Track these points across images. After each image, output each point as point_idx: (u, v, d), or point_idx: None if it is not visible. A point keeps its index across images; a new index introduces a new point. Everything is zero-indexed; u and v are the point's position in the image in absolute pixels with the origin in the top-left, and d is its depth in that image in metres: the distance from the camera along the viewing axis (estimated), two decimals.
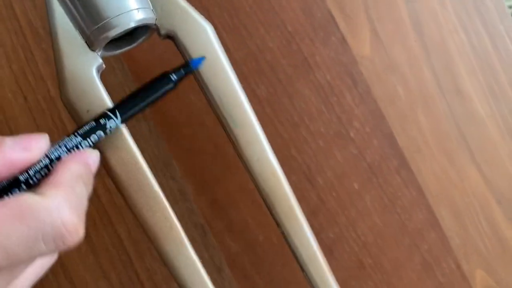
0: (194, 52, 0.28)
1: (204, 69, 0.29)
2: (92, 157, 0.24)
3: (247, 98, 0.29)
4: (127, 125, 0.27)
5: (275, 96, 0.36)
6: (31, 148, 0.23)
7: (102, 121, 0.25)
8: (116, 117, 0.25)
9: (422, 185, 0.37)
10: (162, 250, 0.27)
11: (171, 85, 0.27)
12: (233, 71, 0.29)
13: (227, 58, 0.29)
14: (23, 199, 0.20)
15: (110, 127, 0.25)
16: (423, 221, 0.37)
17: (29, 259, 0.21)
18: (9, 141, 0.22)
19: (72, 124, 0.34)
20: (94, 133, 0.25)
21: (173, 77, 0.27)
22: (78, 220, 0.21)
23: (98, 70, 0.28)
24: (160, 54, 0.36)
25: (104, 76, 0.28)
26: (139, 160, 0.27)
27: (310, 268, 0.30)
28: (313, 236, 0.29)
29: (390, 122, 0.37)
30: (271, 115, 0.36)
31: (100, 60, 0.28)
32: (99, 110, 0.26)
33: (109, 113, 0.25)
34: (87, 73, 0.27)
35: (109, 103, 0.27)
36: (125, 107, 0.26)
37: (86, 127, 0.24)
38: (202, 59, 0.28)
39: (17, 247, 0.20)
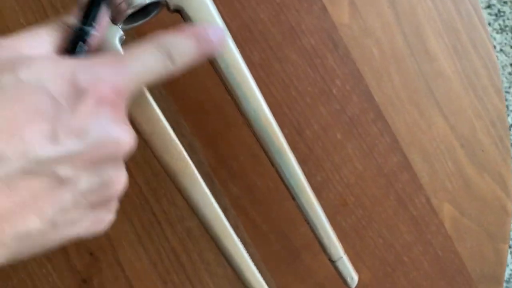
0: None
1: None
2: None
3: (244, 62, 0.34)
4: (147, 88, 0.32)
5: (267, 61, 0.42)
6: None
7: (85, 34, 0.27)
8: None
9: (396, 133, 0.43)
10: (180, 185, 0.33)
11: None
12: (232, 38, 0.34)
13: (226, 28, 0.34)
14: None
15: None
16: (397, 164, 0.43)
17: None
18: None
19: None
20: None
21: None
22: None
23: (120, 40, 0.33)
24: (165, 26, 0.41)
25: None
26: (159, 117, 0.33)
27: (302, 201, 0.36)
28: (302, 173, 0.35)
29: (367, 80, 0.43)
30: (264, 78, 0.42)
31: (122, 32, 0.33)
32: None
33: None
34: (112, 43, 0.33)
35: None
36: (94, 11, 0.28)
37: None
38: None
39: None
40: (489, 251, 0.45)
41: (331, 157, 0.43)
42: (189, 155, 0.35)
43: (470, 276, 0.45)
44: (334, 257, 0.37)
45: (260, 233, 0.42)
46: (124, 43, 0.33)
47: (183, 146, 0.35)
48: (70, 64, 0.24)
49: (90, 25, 0.28)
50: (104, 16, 0.29)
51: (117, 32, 0.33)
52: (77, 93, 0.23)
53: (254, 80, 0.34)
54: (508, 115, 1.01)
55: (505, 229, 0.45)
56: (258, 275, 0.38)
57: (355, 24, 0.43)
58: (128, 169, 0.41)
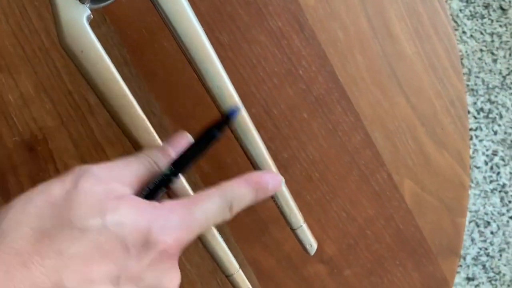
0: (166, 6, 0.35)
1: (174, 20, 0.35)
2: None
3: (210, 44, 0.35)
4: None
5: (236, 42, 0.43)
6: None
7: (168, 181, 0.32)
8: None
9: (359, 112, 0.45)
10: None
11: (216, 138, 0.33)
12: (198, 20, 0.35)
13: (192, 9, 0.35)
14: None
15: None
16: (360, 142, 0.45)
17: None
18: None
19: (66, 71, 0.41)
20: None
21: (217, 132, 0.33)
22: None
23: (87, 19, 0.34)
24: (135, 7, 0.42)
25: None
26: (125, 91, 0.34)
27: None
28: (264, 147, 0.37)
29: (332, 62, 0.45)
30: (233, 58, 0.43)
31: (89, 11, 0.34)
32: (91, 51, 0.33)
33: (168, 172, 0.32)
34: (79, 22, 0.34)
35: (98, 45, 0.33)
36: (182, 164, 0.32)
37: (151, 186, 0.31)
38: (236, 110, 0.34)
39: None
40: (448, 225, 0.47)
41: (298, 135, 0.44)
42: (159, 133, 0.36)
43: (430, 249, 0.47)
44: (295, 226, 0.39)
45: None
46: (91, 22, 0.34)
47: (153, 125, 0.36)
48: (148, 214, 0.28)
49: (178, 174, 0.32)
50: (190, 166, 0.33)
51: (85, 11, 0.34)
52: (147, 245, 0.27)
53: (219, 61, 0.36)
54: (478, 99, 1.04)
55: (463, 203, 0.47)
56: (227, 249, 0.40)
57: (320, 6, 0.44)
58: (101, 146, 0.42)
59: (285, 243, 0.45)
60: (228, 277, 0.39)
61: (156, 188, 0.31)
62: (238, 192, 0.32)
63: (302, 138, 0.44)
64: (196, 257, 0.44)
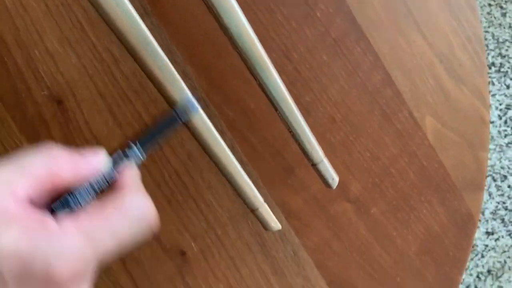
0: None
1: None
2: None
3: None
4: None
5: None
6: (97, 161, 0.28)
7: (127, 152, 0.30)
8: (137, 146, 0.31)
9: (378, 52, 0.46)
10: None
11: (177, 123, 0.33)
12: None
13: None
14: (122, 199, 0.26)
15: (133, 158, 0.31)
16: (380, 81, 0.46)
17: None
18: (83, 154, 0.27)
19: (89, 24, 0.41)
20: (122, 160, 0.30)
21: (177, 114, 0.33)
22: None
23: None
24: None
25: None
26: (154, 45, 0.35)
27: (283, 110, 0.38)
28: (283, 84, 0.38)
29: (348, 2, 0.45)
30: (251, 4, 0.44)
31: None
32: None
33: (131, 143, 0.31)
34: None
35: None
36: (142, 141, 0.31)
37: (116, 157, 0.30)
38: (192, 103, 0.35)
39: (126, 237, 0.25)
40: (470, 160, 0.48)
41: (318, 78, 0.45)
42: (183, 81, 0.37)
43: (454, 184, 0.48)
44: (316, 160, 0.40)
45: (255, 153, 0.45)
46: None
47: (177, 73, 0.37)
48: (38, 237, 0.23)
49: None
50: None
51: None
52: (28, 276, 0.22)
53: (239, 6, 0.36)
54: (489, 54, 1.04)
55: (484, 138, 0.48)
56: (256, 191, 0.41)
57: None
58: (127, 97, 0.43)
59: (312, 184, 0.46)
60: (253, 211, 0.40)
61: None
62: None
63: (323, 81, 0.45)
64: (226, 200, 0.45)
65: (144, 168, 0.43)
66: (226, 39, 0.37)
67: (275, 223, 0.40)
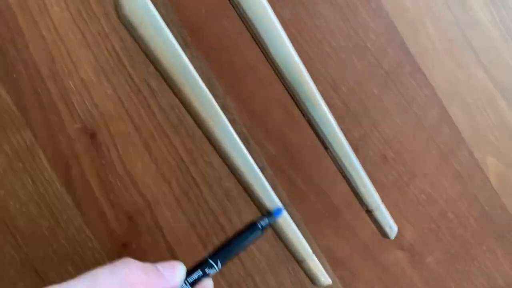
0: None
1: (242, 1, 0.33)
2: None
3: (278, 21, 0.33)
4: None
5: (298, 17, 0.41)
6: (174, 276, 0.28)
7: (207, 270, 0.30)
8: (217, 265, 0.31)
9: (434, 86, 0.42)
10: (216, 145, 0.33)
11: (259, 233, 0.33)
12: None
13: None
14: None
15: (211, 273, 0.30)
16: (436, 117, 0.42)
17: None
18: (158, 269, 0.28)
19: (126, 54, 0.39)
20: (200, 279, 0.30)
21: (260, 225, 0.33)
22: None
23: None
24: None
25: None
26: (195, 77, 0.33)
27: (336, 151, 0.35)
28: (334, 121, 0.34)
29: (401, 33, 0.42)
30: (296, 35, 0.41)
31: None
32: (150, 22, 0.32)
33: (211, 261, 0.30)
34: None
35: (157, 15, 0.32)
36: (222, 255, 0.31)
37: (194, 276, 0.30)
38: (281, 209, 0.35)
39: None
40: None
41: (369, 113, 0.41)
42: (223, 114, 0.34)
43: None
44: (371, 206, 0.36)
45: (298, 191, 0.41)
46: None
47: (218, 106, 0.34)
48: None
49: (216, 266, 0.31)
50: None
51: None
52: None
53: (288, 38, 0.33)
54: None
55: None
56: (300, 235, 0.37)
57: None
58: (163, 131, 0.40)
59: (360, 229, 0.42)
60: (299, 263, 0.37)
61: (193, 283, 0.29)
62: None
63: (373, 115, 0.41)
64: (266, 245, 0.41)
65: (178, 207, 0.40)
66: (268, 70, 0.34)
67: (325, 278, 0.36)
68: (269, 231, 0.40)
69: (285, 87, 0.35)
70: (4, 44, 0.40)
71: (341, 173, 0.35)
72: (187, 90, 0.34)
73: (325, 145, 0.35)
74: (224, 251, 0.31)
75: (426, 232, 0.42)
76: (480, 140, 0.42)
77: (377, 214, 0.36)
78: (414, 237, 0.42)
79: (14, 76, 0.39)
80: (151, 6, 0.32)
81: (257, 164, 0.37)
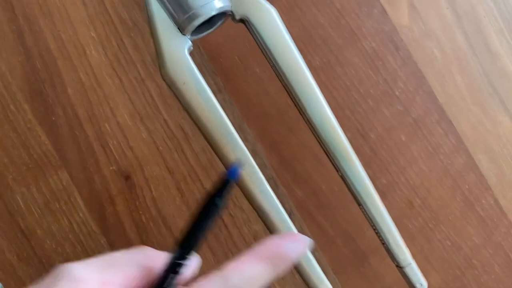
0: (264, 33, 0.34)
1: (272, 46, 0.34)
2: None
3: (308, 68, 0.34)
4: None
5: (328, 65, 0.42)
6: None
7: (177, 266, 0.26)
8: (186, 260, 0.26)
9: (461, 134, 0.43)
10: (245, 189, 0.34)
11: (220, 207, 0.26)
12: (295, 46, 0.34)
13: (290, 35, 0.35)
14: None
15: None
16: (463, 164, 0.42)
17: None
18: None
19: (161, 100, 0.41)
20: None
21: (219, 200, 0.26)
22: None
23: (188, 50, 0.34)
24: (228, 36, 0.42)
25: None
26: (225, 121, 0.34)
27: (368, 206, 0.36)
28: (368, 178, 0.35)
29: (429, 81, 0.42)
30: (326, 82, 0.42)
31: (190, 42, 0.34)
32: (193, 83, 0.33)
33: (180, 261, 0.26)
34: (181, 53, 0.34)
35: (200, 76, 0.33)
36: (189, 241, 0.26)
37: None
38: (236, 168, 0.27)
39: None
40: None
41: (396, 160, 0.42)
42: (253, 159, 0.35)
43: None
44: (402, 263, 0.36)
45: (325, 236, 0.42)
46: (191, 53, 0.33)
47: (247, 151, 0.35)
48: None
49: (186, 256, 0.26)
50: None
51: (186, 43, 0.34)
52: None
53: (317, 85, 0.34)
54: None
55: None
56: (326, 281, 0.38)
57: (415, 25, 0.43)
58: (195, 173, 0.42)
59: (387, 276, 0.42)
60: None
61: (164, 278, 0.25)
62: (248, 275, 0.24)
63: (401, 162, 0.42)
64: (291, 287, 0.42)
65: (207, 249, 0.41)
66: (297, 116, 0.35)
67: None
68: (296, 276, 0.41)
69: (313, 133, 0.36)
70: (44, 88, 0.41)
71: (374, 228, 0.36)
72: (218, 135, 0.35)
73: (358, 202, 0.35)
74: (189, 242, 0.26)
75: (450, 279, 0.42)
76: (505, 188, 0.43)
77: (407, 270, 0.37)
78: (439, 284, 0.42)
79: (53, 118, 0.41)
80: (194, 68, 0.33)
81: (285, 208, 0.38)
